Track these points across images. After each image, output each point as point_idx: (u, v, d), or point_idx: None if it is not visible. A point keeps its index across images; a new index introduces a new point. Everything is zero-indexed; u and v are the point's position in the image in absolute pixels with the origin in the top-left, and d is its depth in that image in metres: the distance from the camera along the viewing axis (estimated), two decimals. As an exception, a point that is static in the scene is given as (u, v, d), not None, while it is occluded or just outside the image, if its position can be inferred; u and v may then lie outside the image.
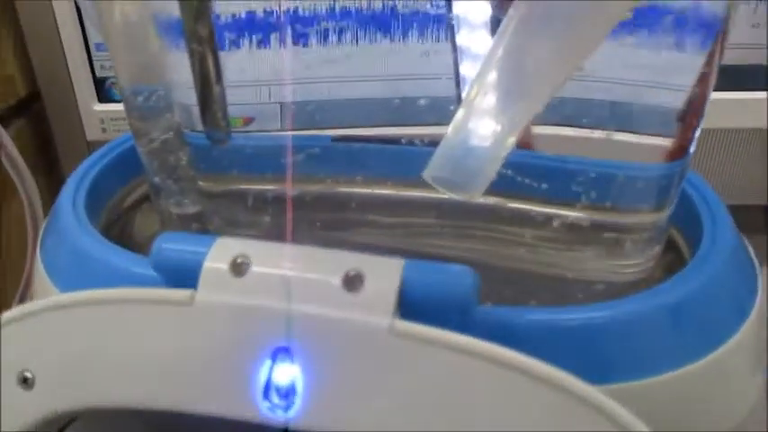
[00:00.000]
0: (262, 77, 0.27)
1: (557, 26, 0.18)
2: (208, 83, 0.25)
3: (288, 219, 0.20)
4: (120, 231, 0.27)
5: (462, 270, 0.17)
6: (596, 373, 0.18)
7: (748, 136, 0.35)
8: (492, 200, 0.26)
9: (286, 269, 0.17)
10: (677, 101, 0.22)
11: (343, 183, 0.26)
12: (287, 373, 0.17)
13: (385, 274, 0.17)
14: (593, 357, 0.19)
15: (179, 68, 0.24)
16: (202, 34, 0.23)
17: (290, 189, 0.22)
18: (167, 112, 0.25)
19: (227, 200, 0.26)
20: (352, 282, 0.17)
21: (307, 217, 0.27)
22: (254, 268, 0.17)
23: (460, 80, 0.28)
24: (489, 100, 0.19)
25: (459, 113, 0.19)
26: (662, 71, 0.21)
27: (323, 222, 0.27)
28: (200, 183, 0.25)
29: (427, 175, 0.19)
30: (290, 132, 0.28)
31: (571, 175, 0.23)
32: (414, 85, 0.27)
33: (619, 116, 0.22)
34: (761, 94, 0.34)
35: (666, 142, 0.22)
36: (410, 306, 0.17)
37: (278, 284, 0.17)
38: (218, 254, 0.18)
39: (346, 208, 0.27)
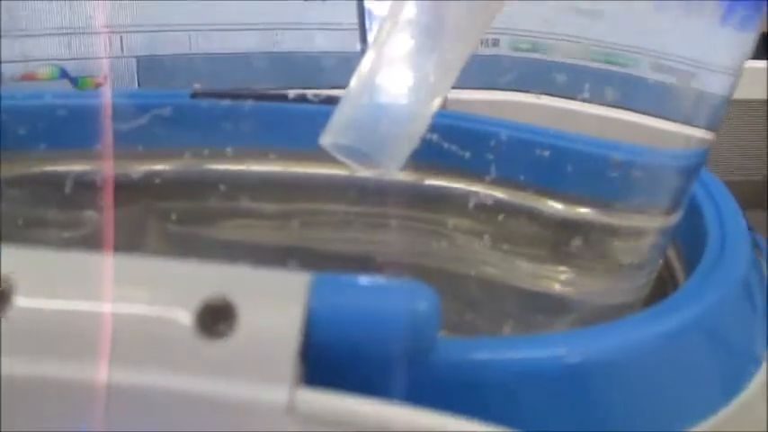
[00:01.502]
0: (111, 22, 0.21)
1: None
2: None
3: (105, 205, 0.12)
4: None
5: (414, 289, 0.10)
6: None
7: (747, 108, 0.31)
8: (417, 177, 0.20)
9: (87, 299, 0.09)
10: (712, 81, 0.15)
11: (208, 157, 0.19)
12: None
13: (275, 304, 0.09)
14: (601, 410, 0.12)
15: None
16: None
17: (109, 164, 0.14)
18: None
19: (27, 190, 0.17)
20: (215, 318, 0.09)
21: (156, 207, 0.19)
22: (22, 300, 0.09)
23: (366, 15, 0.21)
24: (407, 41, 0.14)
25: (366, 60, 0.14)
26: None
27: (180, 214, 0.19)
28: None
29: (326, 141, 0.14)
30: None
31: (539, 152, 0.17)
32: (299, 37, 0.22)
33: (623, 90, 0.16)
34: (760, 63, 0.31)
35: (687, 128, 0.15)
36: (323, 357, 0.09)
37: (71, 330, 0.09)
38: (-47, 276, 0.09)
39: (213, 192, 0.19)
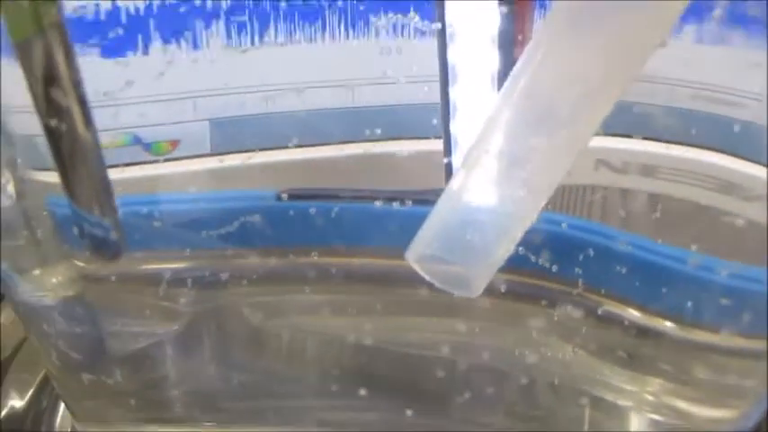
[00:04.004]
0: (184, 87, 0.20)
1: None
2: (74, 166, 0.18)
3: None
4: None
5: None
6: None
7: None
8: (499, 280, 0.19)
9: None
10: None
11: (293, 259, 0.19)
12: None
13: None
14: None
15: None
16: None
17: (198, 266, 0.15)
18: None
19: (121, 285, 0.18)
20: None
21: (239, 302, 0.19)
22: None
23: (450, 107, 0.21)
24: (494, 170, 0.14)
25: (459, 174, 0.14)
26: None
27: (265, 312, 0.19)
28: (77, 261, 0.18)
29: (411, 257, 0.14)
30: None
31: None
32: (377, 91, 0.21)
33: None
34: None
35: None
36: None
37: None
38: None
39: (297, 290, 0.19)
